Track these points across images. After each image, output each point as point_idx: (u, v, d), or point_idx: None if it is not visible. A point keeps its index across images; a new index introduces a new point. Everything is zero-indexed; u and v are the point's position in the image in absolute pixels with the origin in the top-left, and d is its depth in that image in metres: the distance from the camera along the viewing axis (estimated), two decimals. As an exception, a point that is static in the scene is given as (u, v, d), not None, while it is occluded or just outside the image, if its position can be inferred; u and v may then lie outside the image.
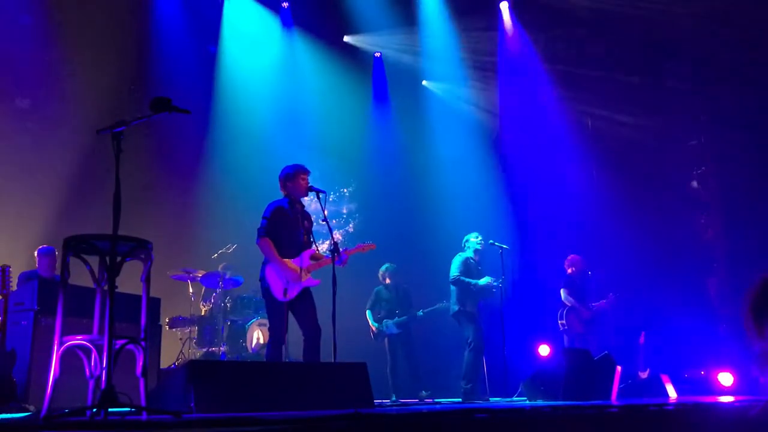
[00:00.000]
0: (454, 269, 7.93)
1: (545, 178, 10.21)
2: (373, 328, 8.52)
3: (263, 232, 5.66)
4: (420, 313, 8.61)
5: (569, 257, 8.75)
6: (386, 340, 8.54)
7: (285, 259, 5.67)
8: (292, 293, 5.63)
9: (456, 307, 7.87)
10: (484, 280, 7.81)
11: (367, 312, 8.62)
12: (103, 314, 3.65)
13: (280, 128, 10.08)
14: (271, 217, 5.70)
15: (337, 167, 10.24)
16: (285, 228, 5.73)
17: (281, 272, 5.62)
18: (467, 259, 8.03)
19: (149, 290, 3.87)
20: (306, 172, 5.90)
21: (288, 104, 10.34)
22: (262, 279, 5.70)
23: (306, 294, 5.75)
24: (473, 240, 8.14)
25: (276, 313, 5.64)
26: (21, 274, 6.86)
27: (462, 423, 3.31)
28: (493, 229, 8.92)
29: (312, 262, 5.81)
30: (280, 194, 5.95)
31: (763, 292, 1.83)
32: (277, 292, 5.61)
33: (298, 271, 5.67)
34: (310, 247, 5.88)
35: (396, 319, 8.49)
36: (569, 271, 8.71)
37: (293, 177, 5.84)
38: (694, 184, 9.40)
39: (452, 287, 7.95)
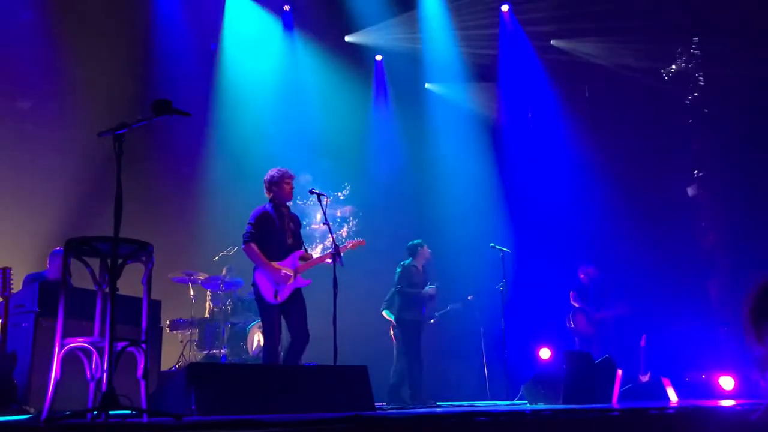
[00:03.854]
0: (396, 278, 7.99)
1: (545, 181, 10.21)
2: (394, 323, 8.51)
3: (248, 238, 5.76)
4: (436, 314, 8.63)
5: (582, 266, 8.81)
6: (393, 340, 8.50)
7: (273, 262, 5.75)
8: (283, 295, 5.71)
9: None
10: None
11: (385, 311, 8.61)
12: (104, 316, 3.66)
13: (281, 130, 10.08)
14: (255, 223, 5.81)
15: (336, 169, 10.24)
16: (270, 232, 5.83)
17: (270, 275, 5.70)
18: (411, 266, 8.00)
19: (150, 292, 3.87)
20: (291, 177, 6.00)
21: (289, 107, 10.34)
22: (254, 284, 5.79)
23: (297, 297, 5.82)
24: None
25: (268, 317, 5.73)
26: (27, 276, 6.85)
27: (463, 426, 3.31)
28: (493, 232, 8.91)
29: (301, 262, 5.90)
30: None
31: (763, 296, 1.83)
32: (268, 295, 5.69)
33: (287, 272, 5.76)
34: (299, 248, 5.97)
35: None
36: (581, 277, 8.78)
37: (278, 181, 5.93)
38: (690, 191, 9.40)
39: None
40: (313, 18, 10.51)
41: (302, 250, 5.97)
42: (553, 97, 10.57)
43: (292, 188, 6.00)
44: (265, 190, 6.00)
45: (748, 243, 8.57)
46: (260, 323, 8.39)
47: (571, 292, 8.69)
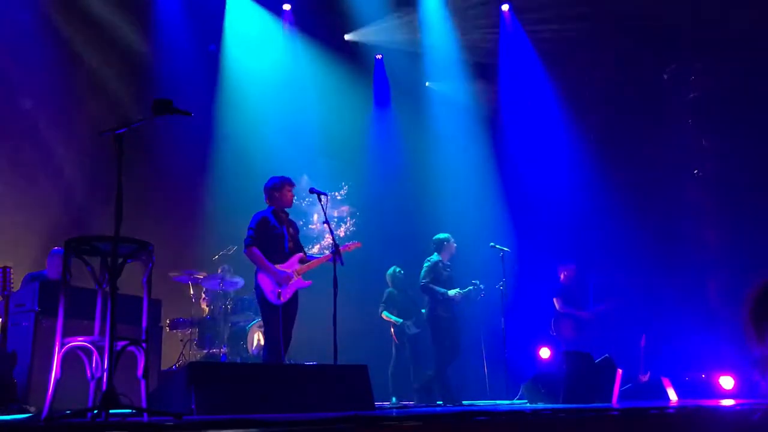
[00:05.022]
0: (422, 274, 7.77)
1: (546, 180, 10.20)
2: (397, 323, 8.50)
3: (250, 242, 5.90)
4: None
5: (562, 265, 8.77)
6: (394, 340, 8.55)
7: (275, 265, 5.88)
8: (286, 296, 5.86)
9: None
10: (453, 291, 7.61)
11: (384, 312, 8.61)
12: (105, 316, 3.66)
13: (280, 130, 10.08)
14: (256, 228, 5.95)
15: (334, 169, 10.24)
16: (271, 237, 5.97)
17: (273, 277, 5.85)
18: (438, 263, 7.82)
19: (150, 292, 3.88)
20: (292, 185, 6.18)
21: (289, 106, 10.33)
22: (257, 287, 5.91)
23: (294, 301, 5.97)
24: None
25: (272, 318, 5.82)
26: (26, 275, 6.85)
27: (462, 425, 3.32)
28: (493, 232, 8.90)
29: (300, 265, 6.02)
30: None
31: (763, 297, 1.83)
32: (272, 296, 5.82)
33: (288, 273, 5.89)
34: (298, 252, 6.10)
35: (414, 318, 8.50)
36: (562, 277, 8.73)
37: (280, 188, 6.09)
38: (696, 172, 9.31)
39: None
40: (313, 17, 10.50)
41: (301, 254, 6.11)
42: (554, 96, 10.56)
43: (293, 195, 6.19)
44: (265, 198, 6.15)
45: (748, 243, 8.57)
46: (260, 323, 8.43)
47: (555, 299, 8.57)
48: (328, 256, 6.00)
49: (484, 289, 7.91)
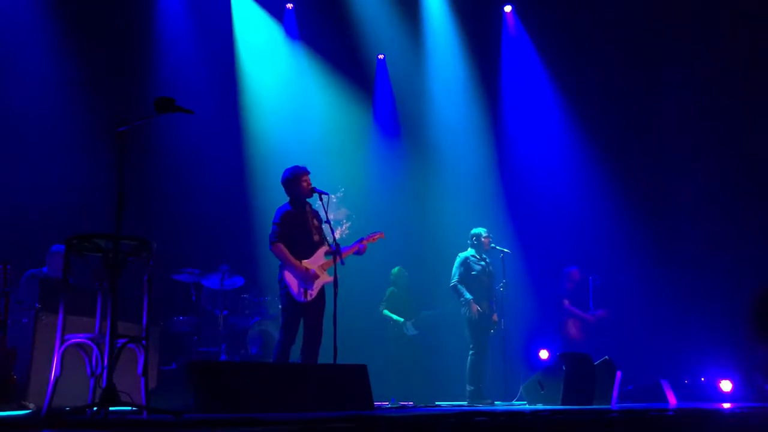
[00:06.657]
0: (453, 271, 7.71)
1: (547, 182, 10.19)
2: (397, 322, 8.49)
3: (275, 238, 5.74)
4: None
5: (566, 268, 8.78)
6: (395, 340, 8.56)
7: (303, 261, 5.75)
8: (312, 294, 5.73)
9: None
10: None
11: (385, 311, 8.60)
12: (105, 313, 3.67)
13: (280, 131, 10.06)
14: (281, 222, 5.78)
15: (331, 171, 10.21)
16: (296, 230, 5.82)
17: (299, 274, 5.70)
18: (466, 258, 7.73)
19: (151, 289, 3.88)
20: (306, 172, 5.98)
21: (288, 108, 10.31)
22: (281, 281, 5.76)
23: (321, 295, 5.84)
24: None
25: (293, 315, 5.72)
26: (26, 273, 6.85)
27: (462, 426, 3.32)
28: (493, 233, 8.89)
29: (326, 259, 5.87)
30: (280, 193, 6.02)
31: (765, 301, 1.83)
32: (298, 294, 5.68)
33: (315, 270, 5.76)
34: (323, 244, 5.94)
35: (414, 320, 8.50)
36: (568, 279, 8.73)
37: (293, 180, 5.93)
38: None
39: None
40: (314, 17, 10.48)
41: (326, 247, 5.93)
42: (555, 98, 10.55)
43: (310, 184, 5.92)
44: (285, 191, 5.98)
45: (750, 246, 8.56)
46: (260, 321, 8.43)
47: (565, 300, 8.58)
48: (354, 247, 5.92)
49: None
